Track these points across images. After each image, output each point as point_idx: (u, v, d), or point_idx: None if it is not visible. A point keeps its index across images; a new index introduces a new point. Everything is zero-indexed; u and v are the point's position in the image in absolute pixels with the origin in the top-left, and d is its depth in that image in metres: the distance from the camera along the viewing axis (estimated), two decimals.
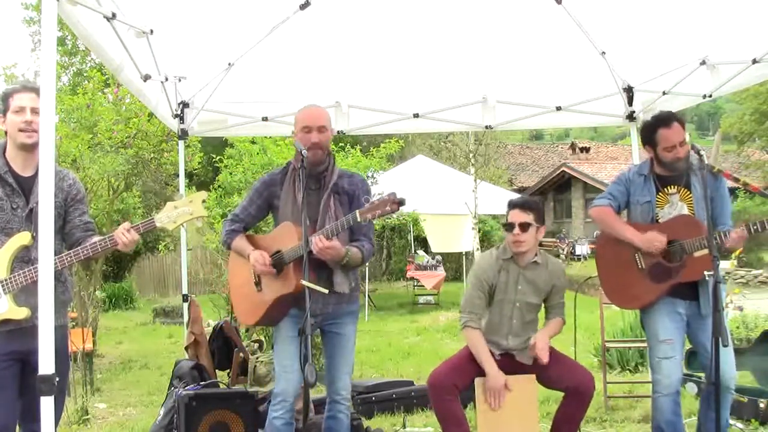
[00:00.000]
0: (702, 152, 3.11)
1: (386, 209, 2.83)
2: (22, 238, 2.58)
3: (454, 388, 3.40)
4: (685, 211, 3.31)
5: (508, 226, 3.49)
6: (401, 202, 2.82)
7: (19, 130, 2.61)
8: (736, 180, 3.31)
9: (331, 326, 3.16)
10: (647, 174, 3.41)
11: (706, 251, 3.09)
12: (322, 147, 3.08)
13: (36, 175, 2.63)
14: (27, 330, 2.49)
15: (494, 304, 3.55)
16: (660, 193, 3.36)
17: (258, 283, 3.13)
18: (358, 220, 2.88)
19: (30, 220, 2.62)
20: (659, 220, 3.35)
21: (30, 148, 2.64)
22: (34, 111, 2.61)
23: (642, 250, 3.30)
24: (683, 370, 3.34)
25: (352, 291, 3.18)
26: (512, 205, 3.53)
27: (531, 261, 3.52)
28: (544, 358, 3.35)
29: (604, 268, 3.52)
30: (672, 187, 3.34)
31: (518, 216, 3.46)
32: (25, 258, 2.59)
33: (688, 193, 3.32)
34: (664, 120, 3.30)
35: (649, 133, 3.33)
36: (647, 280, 3.31)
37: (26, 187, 2.66)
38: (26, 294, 2.53)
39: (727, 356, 3.11)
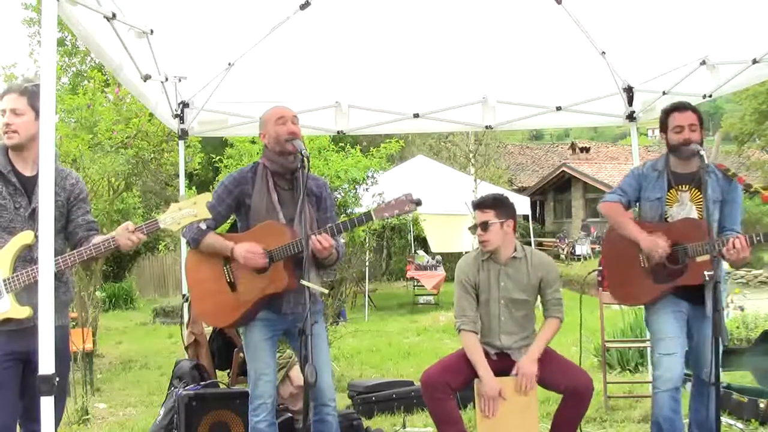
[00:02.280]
0: (702, 152, 3.12)
1: (404, 209, 2.87)
2: (25, 237, 2.57)
3: (446, 386, 3.39)
4: (694, 212, 3.30)
5: (473, 228, 3.54)
6: (418, 202, 2.87)
7: (3, 132, 2.63)
8: (748, 186, 3.33)
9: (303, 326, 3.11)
10: (662, 169, 3.40)
11: (708, 256, 3.08)
12: (298, 137, 3.05)
13: (38, 174, 2.64)
14: (28, 330, 2.48)
15: (481, 304, 3.55)
16: (671, 191, 3.36)
17: (232, 283, 3.06)
18: (373, 219, 2.92)
19: (33, 219, 2.61)
20: (668, 219, 3.35)
21: (18, 149, 2.66)
22: (13, 112, 2.62)
23: (645, 252, 3.30)
24: (684, 369, 3.34)
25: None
26: (473, 206, 3.60)
27: (510, 257, 3.52)
28: (524, 387, 3.35)
29: (610, 264, 3.56)
30: (684, 186, 3.34)
31: (479, 216, 3.51)
32: (28, 257, 2.58)
33: (699, 194, 3.30)
34: (679, 106, 3.37)
35: (664, 116, 3.39)
36: (648, 280, 3.32)
37: (29, 186, 2.66)
38: (29, 293, 2.52)
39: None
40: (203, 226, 3.07)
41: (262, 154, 3.23)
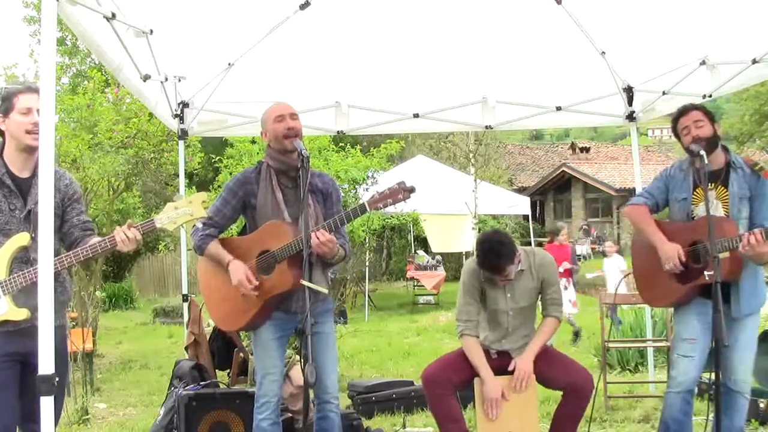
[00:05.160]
0: (702, 153, 3.09)
1: (398, 197, 2.82)
2: (21, 239, 2.56)
3: (447, 382, 3.39)
4: (720, 209, 3.23)
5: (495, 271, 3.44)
6: (411, 190, 2.81)
7: (27, 131, 2.56)
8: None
9: (311, 326, 3.07)
10: (686, 169, 3.35)
11: (728, 253, 3.03)
12: (298, 133, 3.04)
13: (33, 176, 2.62)
14: (26, 331, 2.48)
15: (488, 313, 3.54)
16: (697, 190, 3.28)
17: None
18: (368, 210, 2.88)
19: (28, 221, 2.59)
20: (694, 218, 3.29)
21: (33, 150, 2.61)
22: (39, 112, 2.55)
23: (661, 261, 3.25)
24: (700, 373, 3.31)
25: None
26: (485, 269, 3.43)
27: (516, 272, 3.47)
28: (519, 387, 3.35)
29: (637, 265, 3.53)
30: (709, 184, 3.23)
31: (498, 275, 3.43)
32: (24, 259, 2.57)
33: (725, 190, 3.25)
34: (683, 110, 3.33)
35: (674, 124, 3.36)
36: (672, 280, 3.28)
37: (24, 188, 2.64)
38: (25, 295, 2.51)
39: (746, 362, 3.10)
40: (199, 224, 3.06)
41: (264, 153, 3.22)
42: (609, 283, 8.73)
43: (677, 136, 3.36)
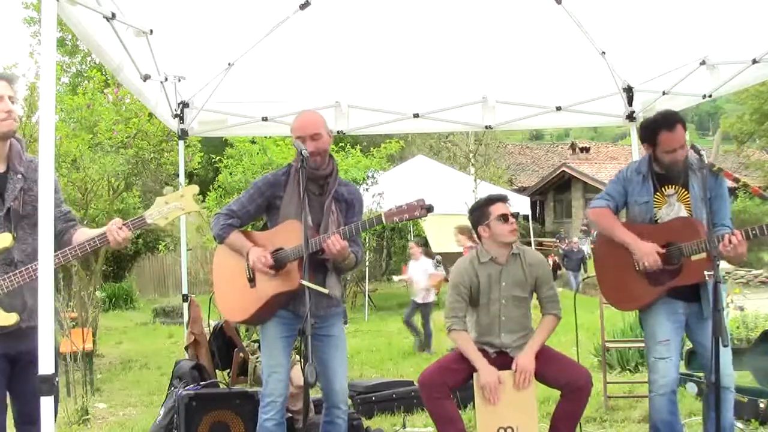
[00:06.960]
0: (702, 152, 3.07)
1: (415, 214, 2.88)
2: (3, 239, 2.43)
3: (444, 386, 3.41)
4: (683, 211, 3.25)
5: (502, 218, 3.50)
6: (429, 208, 2.87)
7: (2, 119, 2.44)
8: (737, 180, 3.26)
9: (320, 329, 3.08)
10: (645, 172, 3.33)
11: (703, 255, 3.04)
12: (318, 153, 3.06)
13: (8, 170, 2.51)
14: (14, 334, 2.42)
15: (480, 306, 3.55)
16: (658, 193, 3.30)
17: (252, 279, 3.09)
18: (383, 222, 2.93)
19: (9, 220, 2.47)
20: (657, 221, 3.30)
21: (6, 138, 2.49)
22: (11, 99, 2.46)
23: (636, 259, 3.24)
24: (683, 369, 3.31)
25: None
26: (495, 200, 3.60)
27: (510, 254, 3.54)
28: (522, 383, 3.36)
29: (602, 269, 3.49)
30: (670, 186, 3.27)
31: (506, 208, 3.55)
32: (8, 260, 2.45)
33: (686, 193, 3.26)
34: (667, 122, 3.19)
35: (650, 133, 3.25)
36: (644, 282, 3.27)
37: (0, 184, 2.49)
38: (11, 299, 2.42)
39: (724, 356, 3.09)
40: (222, 221, 3.10)
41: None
42: (416, 287, 8.70)
43: (652, 142, 3.23)
